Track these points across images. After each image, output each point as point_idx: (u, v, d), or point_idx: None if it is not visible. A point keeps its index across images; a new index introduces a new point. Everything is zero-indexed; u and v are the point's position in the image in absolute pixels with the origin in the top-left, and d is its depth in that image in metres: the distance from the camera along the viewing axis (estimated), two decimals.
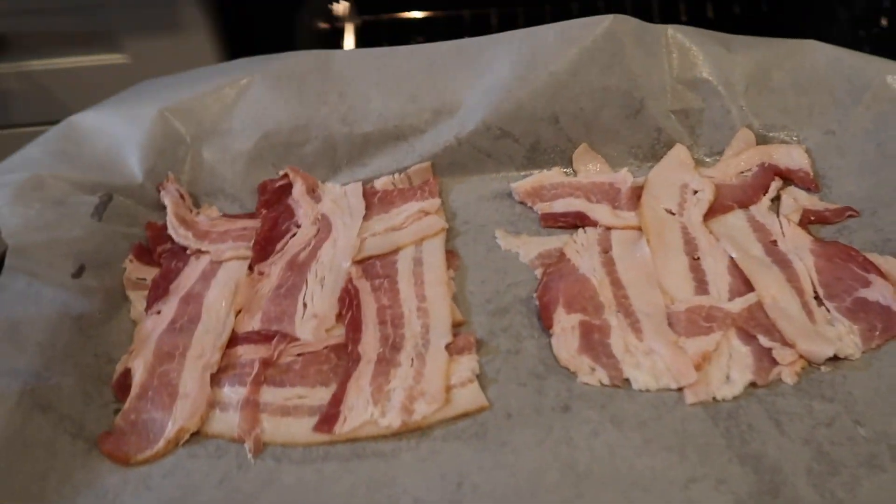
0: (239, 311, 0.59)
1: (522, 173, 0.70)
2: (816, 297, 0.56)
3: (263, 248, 0.64)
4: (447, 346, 0.55)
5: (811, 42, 0.70)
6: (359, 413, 0.51)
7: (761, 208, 0.64)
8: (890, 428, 0.48)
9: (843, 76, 0.67)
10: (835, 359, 0.52)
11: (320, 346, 0.56)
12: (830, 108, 0.68)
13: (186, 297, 0.60)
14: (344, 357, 0.55)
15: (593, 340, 0.55)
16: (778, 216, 0.63)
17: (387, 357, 0.55)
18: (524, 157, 0.70)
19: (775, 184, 0.66)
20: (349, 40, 1.02)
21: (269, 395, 0.53)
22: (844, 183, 0.65)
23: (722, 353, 0.53)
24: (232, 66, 0.75)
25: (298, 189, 0.68)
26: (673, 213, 0.64)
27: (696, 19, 0.93)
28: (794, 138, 0.69)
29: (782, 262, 0.58)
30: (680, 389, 0.51)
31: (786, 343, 0.53)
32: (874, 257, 0.57)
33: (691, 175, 0.66)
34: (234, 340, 0.57)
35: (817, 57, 0.69)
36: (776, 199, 0.65)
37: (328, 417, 0.51)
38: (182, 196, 0.68)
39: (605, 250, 0.61)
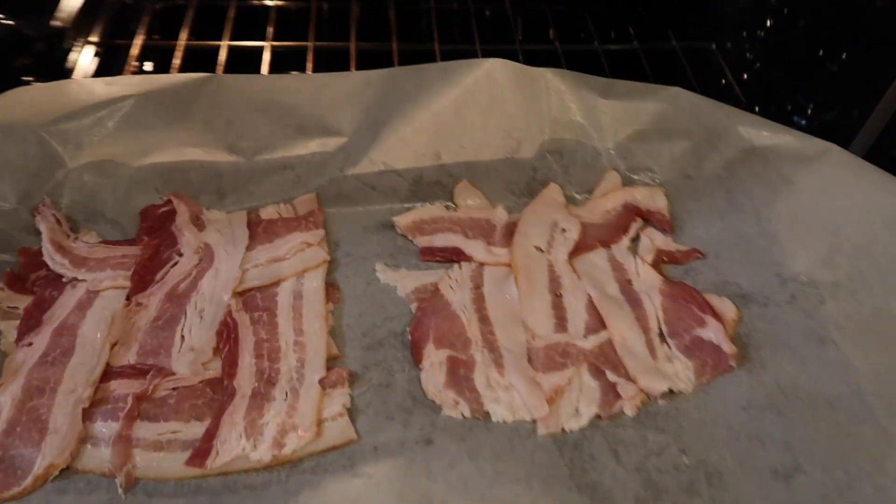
0: (115, 344, 0.59)
1: (406, 205, 0.73)
2: (661, 334, 0.62)
3: (143, 278, 0.64)
4: (321, 381, 0.57)
5: (677, 89, 0.76)
6: (231, 447, 0.53)
7: (621, 248, 0.70)
8: (708, 457, 0.54)
9: (702, 124, 0.73)
10: (670, 392, 0.58)
11: (196, 380, 0.57)
12: (689, 154, 0.74)
13: (60, 329, 0.60)
14: (219, 391, 0.57)
15: (459, 375, 0.59)
16: (635, 256, 0.69)
17: (261, 391, 0.57)
18: (408, 191, 0.73)
19: (636, 224, 0.71)
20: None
21: (142, 430, 0.54)
22: (695, 226, 0.71)
23: (573, 387, 0.58)
24: (114, 81, 0.74)
25: (182, 216, 0.69)
26: (542, 251, 0.68)
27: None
28: (657, 181, 0.75)
29: (634, 302, 0.64)
30: (534, 421, 0.56)
31: (629, 378, 0.59)
32: (712, 298, 0.64)
33: (562, 214, 0.71)
34: (108, 374, 0.57)
35: (681, 104, 0.75)
36: (635, 240, 0.71)
37: (200, 452, 0.53)
38: (59, 221, 0.67)
39: (478, 286, 0.66)
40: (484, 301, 0.64)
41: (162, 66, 0.87)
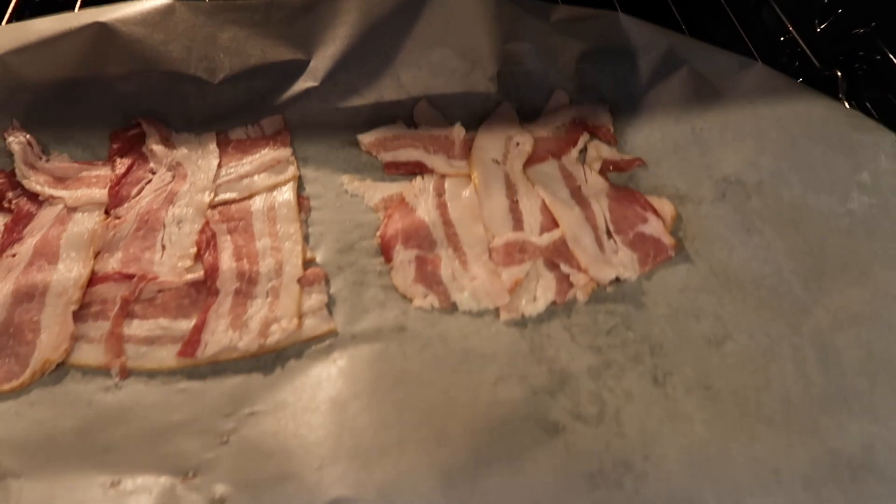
0: (97, 254, 0.62)
1: (368, 126, 0.76)
2: (608, 232, 0.69)
3: (118, 193, 0.67)
4: (299, 280, 0.62)
5: (617, 13, 0.81)
6: (219, 338, 0.57)
7: (570, 158, 0.75)
8: (651, 332, 0.61)
9: (642, 44, 0.79)
10: (617, 281, 0.65)
11: (180, 282, 0.61)
12: (630, 73, 0.80)
13: (42, 241, 0.62)
14: (203, 292, 0.61)
15: (426, 271, 0.64)
16: (583, 165, 0.74)
17: (244, 290, 0.61)
18: (369, 111, 0.76)
19: (583, 138, 0.77)
20: None
21: (132, 327, 0.58)
22: (637, 138, 0.78)
23: (531, 278, 0.64)
24: (73, 15, 0.74)
25: (152, 137, 0.71)
26: (498, 163, 0.74)
27: None
28: (601, 98, 0.80)
29: (583, 204, 0.70)
30: (497, 309, 0.62)
31: (580, 269, 0.65)
32: (652, 199, 0.71)
33: (515, 129, 0.76)
34: (94, 280, 0.60)
35: (622, 26, 0.80)
36: (583, 151, 0.77)
37: (190, 343, 0.57)
38: (30, 143, 0.68)
39: (440, 194, 0.70)
40: (446, 207, 0.69)
41: None
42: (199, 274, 0.62)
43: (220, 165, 0.70)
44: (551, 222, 0.69)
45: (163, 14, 0.73)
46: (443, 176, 0.72)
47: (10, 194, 0.66)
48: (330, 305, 0.61)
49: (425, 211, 0.68)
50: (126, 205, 0.66)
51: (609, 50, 0.80)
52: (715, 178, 0.72)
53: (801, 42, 0.86)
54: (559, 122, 0.78)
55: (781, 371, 0.57)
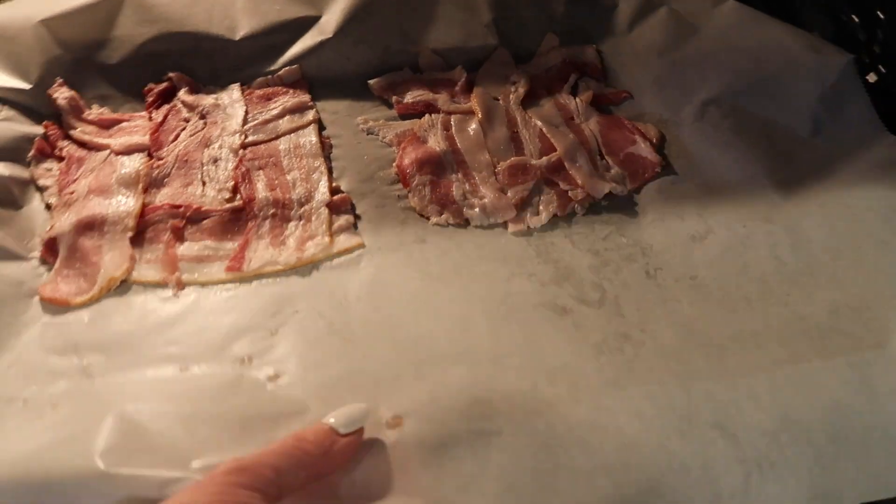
0: (145, 190, 0.69)
1: (378, 74, 0.83)
2: (600, 154, 0.76)
3: (158, 139, 0.74)
4: (327, 204, 0.69)
5: None
6: (261, 255, 0.65)
7: (563, 94, 0.83)
8: (641, 236, 0.69)
9: None
10: (611, 195, 0.73)
11: (222, 209, 0.68)
12: (614, 17, 0.88)
13: (96, 180, 0.69)
14: (243, 218, 0.68)
15: (440, 193, 0.71)
16: (575, 99, 0.82)
17: (279, 215, 0.68)
18: (378, 59, 0.83)
19: (574, 75, 0.84)
20: None
21: (183, 248, 0.65)
22: (622, 74, 0.85)
23: (533, 195, 0.72)
24: None
25: (183, 90, 0.78)
26: (498, 100, 0.81)
27: None
28: (589, 41, 0.88)
29: (577, 131, 0.78)
30: (504, 224, 0.70)
31: (577, 186, 0.73)
32: (638, 124, 0.78)
33: (511, 70, 0.84)
34: (145, 212, 0.67)
35: None
36: (575, 87, 0.84)
37: (236, 259, 0.64)
38: (74, 98, 0.75)
39: (447, 128, 0.78)
40: (454, 139, 0.77)
41: None
42: (238, 202, 0.69)
43: (246, 112, 0.77)
44: (549, 147, 0.76)
45: None
46: (448, 113, 0.79)
47: (60, 143, 0.73)
48: (356, 225, 0.69)
49: (435, 142, 0.76)
50: (165, 149, 0.73)
51: None
52: (694, 104, 0.79)
53: None
54: (551, 64, 0.86)
55: (757, 255, 0.65)
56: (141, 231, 0.66)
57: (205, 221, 0.67)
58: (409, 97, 0.81)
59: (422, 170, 0.73)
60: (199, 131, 0.75)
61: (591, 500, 0.47)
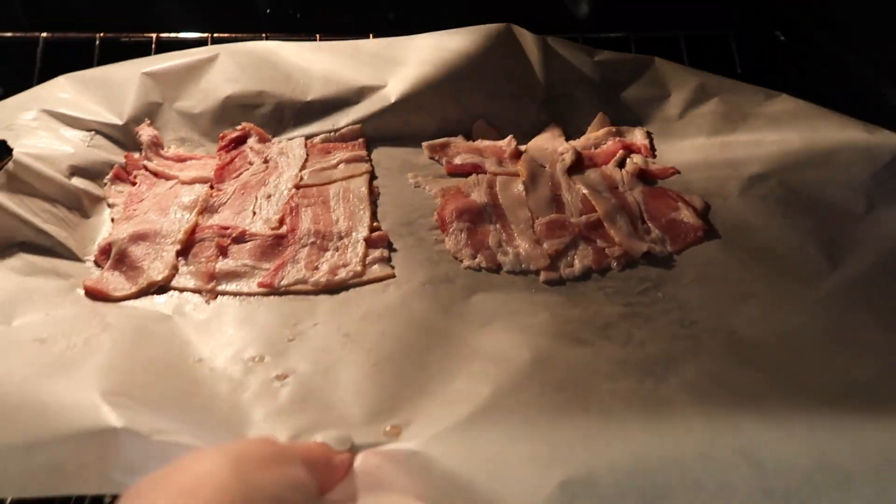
0: (200, 213, 0.74)
1: (432, 139, 0.88)
2: (641, 219, 0.76)
3: (222, 174, 0.80)
4: (365, 238, 0.71)
5: (653, 57, 0.93)
6: (294, 274, 0.67)
7: (610, 166, 0.84)
8: (679, 293, 0.66)
9: (676, 80, 0.91)
10: (650, 256, 0.71)
11: (267, 234, 0.71)
12: (665, 104, 0.91)
13: (158, 201, 0.75)
14: (284, 245, 0.71)
15: (476, 239, 0.72)
16: (621, 171, 0.83)
17: (318, 244, 0.71)
18: (435, 127, 0.89)
19: (622, 153, 0.86)
20: None
21: (222, 264, 0.68)
22: (670, 154, 0.87)
23: (569, 249, 0.72)
24: (198, 50, 0.92)
25: (252, 139, 0.85)
26: (544, 167, 0.83)
27: None
28: (639, 123, 0.91)
29: (619, 197, 0.79)
30: (537, 272, 0.69)
31: (615, 244, 0.72)
32: (683, 195, 0.78)
33: (561, 142, 0.87)
34: (196, 231, 0.72)
35: (657, 66, 0.92)
36: (622, 164, 0.86)
37: (270, 275, 0.66)
38: (155, 137, 0.83)
39: (491, 186, 0.80)
40: (497, 195, 0.79)
41: None
42: (282, 230, 0.72)
43: (305, 160, 0.83)
44: (590, 209, 0.77)
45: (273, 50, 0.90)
46: (495, 175, 0.82)
47: (135, 172, 0.79)
48: (390, 258, 0.70)
49: (478, 196, 0.78)
50: (226, 182, 0.79)
51: (646, 84, 0.92)
52: (741, 178, 0.79)
53: None
54: (601, 141, 0.88)
55: (801, 318, 0.61)
56: (188, 247, 0.70)
57: (248, 243, 0.71)
58: (459, 159, 0.84)
59: (461, 217, 0.74)
60: (259, 172, 0.81)
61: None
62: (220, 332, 0.60)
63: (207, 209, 0.75)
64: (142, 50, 0.94)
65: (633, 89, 0.92)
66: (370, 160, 0.85)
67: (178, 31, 0.92)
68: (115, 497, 0.44)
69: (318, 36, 0.97)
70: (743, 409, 0.51)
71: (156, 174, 0.80)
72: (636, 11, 1.02)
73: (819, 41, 0.98)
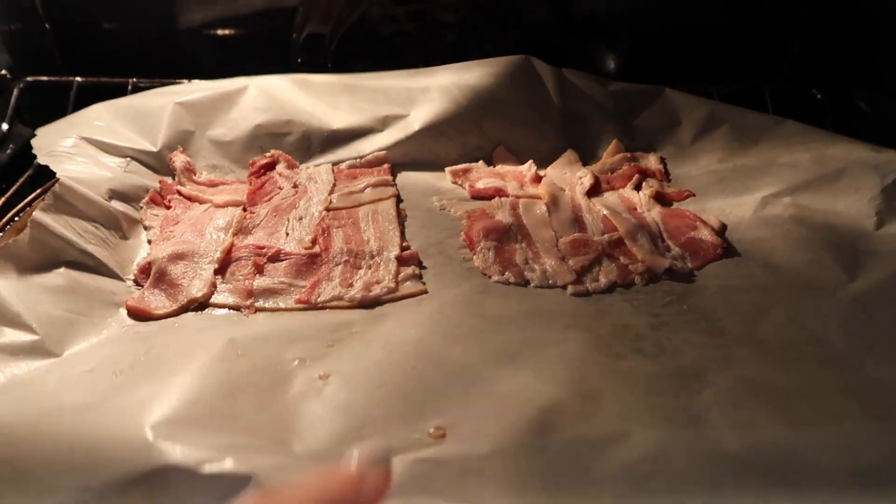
0: (235, 234, 0.77)
1: (455, 163, 0.91)
2: (661, 238, 0.79)
3: (254, 197, 0.82)
4: (396, 257, 0.74)
5: (664, 87, 0.97)
6: (330, 291, 0.69)
7: (627, 189, 0.87)
8: (704, 305, 0.68)
9: (687, 109, 0.94)
10: (671, 272, 0.74)
11: (301, 253, 0.74)
12: (677, 131, 0.94)
13: (194, 223, 0.77)
14: (318, 263, 0.73)
15: (503, 257, 0.75)
16: (638, 193, 0.86)
17: (351, 262, 0.73)
18: (457, 153, 0.92)
19: (638, 176, 0.90)
20: None
21: (259, 281, 0.70)
22: (684, 178, 0.90)
23: (594, 265, 0.74)
24: (229, 80, 0.96)
25: (281, 165, 0.88)
26: (564, 191, 0.86)
27: None
28: (653, 149, 0.94)
29: (638, 217, 0.81)
30: (564, 287, 0.72)
31: (637, 261, 0.74)
32: (700, 215, 0.81)
33: (578, 167, 0.90)
34: (232, 250, 0.74)
35: (668, 95, 0.96)
36: (638, 187, 0.89)
37: (306, 293, 0.68)
38: (189, 163, 0.86)
39: (514, 208, 0.83)
40: (521, 217, 0.81)
41: None
42: (315, 249, 0.75)
43: (334, 185, 0.86)
44: (612, 229, 0.79)
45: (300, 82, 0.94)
46: (518, 197, 0.85)
47: (169, 196, 0.82)
48: (421, 276, 0.72)
49: (503, 217, 0.80)
50: (259, 206, 0.82)
51: (657, 112, 0.95)
52: (756, 197, 0.82)
53: None
54: (616, 165, 0.91)
55: (825, 324, 0.63)
56: (224, 266, 0.72)
57: (283, 262, 0.73)
58: (482, 183, 0.87)
59: (488, 236, 0.77)
60: (289, 196, 0.84)
61: None
62: (262, 341, 0.61)
63: (242, 230, 0.77)
64: None
65: (645, 117, 0.96)
66: (396, 185, 0.87)
67: (210, 79, 0.96)
68: None
69: None
70: (776, 420, 0.52)
71: (189, 198, 0.82)
72: (671, 63, 1.06)
73: (855, 101, 1.01)
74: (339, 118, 0.92)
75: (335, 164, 0.90)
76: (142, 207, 0.80)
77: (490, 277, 0.72)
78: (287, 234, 0.77)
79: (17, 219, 0.70)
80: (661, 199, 0.86)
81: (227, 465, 0.47)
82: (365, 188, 0.85)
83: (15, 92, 0.99)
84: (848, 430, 0.51)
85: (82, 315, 0.63)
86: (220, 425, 0.51)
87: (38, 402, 0.52)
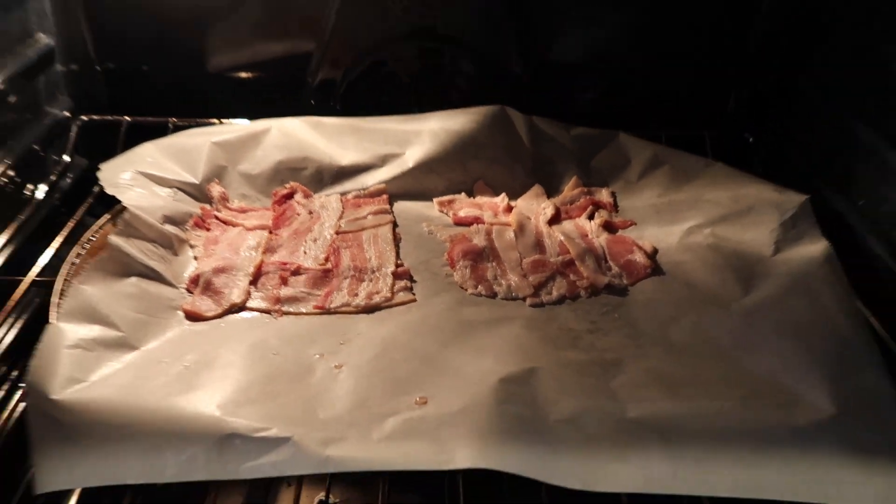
0: (264, 252, 0.96)
1: (441, 196, 1.11)
2: (605, 259, 0.98)
3: (277, 222, 1.02)
4: (392, 272, 0.93)
5: (618, 132, 1.17)
6: (339, 299, 0.88)
7: (581, 219, 1.07)
8: (631, 315, 0.88)
9: (635, 151, 1.14)
10: (611, 287, 0.93)
11: (318, 268, 0.93)
12: (626, 169, 1.14)
13: (230, 242, 0.96)
14: (330, 276, 0.92)
15: (477, 274, 0.94)
16: (590, 222, 1.06)
17: (356, 276, 0.92)
18: (443, 186, 1.11)
19: (591, 207, 1.09)
20: None
21: (284, 290, 0.89)
22: (629, 209, 1.09)
23: (549, 281, 0.94)
24: (255, 122, 1.15)
25: (298, 195, 1.07)
26: (530, 219, 1.06)
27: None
28: (605, 185, 1.14)
29: (588, 242, 1.01)
30: (524, 298, 0.91)
31: (584, 278, 0.94)
32: (638, 241, 1.00)
33: (543, 199, 1.10)
34: (261, 266, 0.93)
35: (620, 140, 1.15)
36: (591, 217, 1.08)
37: (322, 300, 0.88)
38: (223, 193, 1.05)
39: (488, 234, 1.02)
40: (493, 241, 1.01)
41: None
42: (328, 266, 0.94)
43: (342, 213, 1.05)
44: (566, 251, 0.99)
45: (314, 124, 1.14)
46: (492, 224, 1.04)
47: (209, 220, 1.01)
48: (412, 288, 0.92)
49: (478, 241, 1.00)
50: (281, 229, 1.01)
51: (611, 153, 1.15)
52: (683, 228, 1.01)
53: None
54: (574, 198, 1.11)
55: (719, 332, 0.82)
56: (256, 278, 0.91)
57: (303, 276, 0.92)
58: (463, 212, 1.07)
59: (465, 257, 0.96)
60: (306, 221, 1.03)
61: None
62: (291, 339, 0.81)
63: (269, 249, 0.97)
64: None
65: (601, 157, 1.16)
66: (392, 212, 1.07)
67: (235, 118, 1.16)
68: None
69: None
70: (664, 396, 0.72)
71: (225, 222, 1.02)
72: (626, 108, 1.25)
73: (779, 145, 1.21)
74: (346, 156, 1.12)
75: (343, 194, 1.09)
76: (188, 230, 0.99)
77: (466, 290, 0.92)
78: (305, 253, 0.97)
79: (94, 238, 0.88)
80: (608, 227, 1.06)
81: (273, 431, 0.66)
82: (367, 215, 1.05)
83: (74, 129, 1.18)
84: (719, 406, 0.71)
85: (150, 316, 0.82)
86: (264, 403, 0.70)
87: (135, 386, 0.71)
